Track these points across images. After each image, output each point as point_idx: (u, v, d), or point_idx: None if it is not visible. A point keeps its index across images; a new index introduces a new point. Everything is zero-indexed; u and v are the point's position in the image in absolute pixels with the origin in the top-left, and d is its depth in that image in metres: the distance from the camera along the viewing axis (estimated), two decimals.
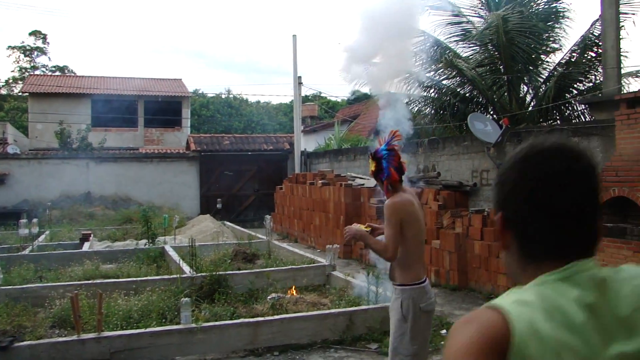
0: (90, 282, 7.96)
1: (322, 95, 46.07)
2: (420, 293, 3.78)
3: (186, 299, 6.08)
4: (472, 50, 12.67)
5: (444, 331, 6.66)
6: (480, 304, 6.49)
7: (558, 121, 12.12)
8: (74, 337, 5.65)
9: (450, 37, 12.69)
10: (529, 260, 1.23)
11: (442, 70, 12.55)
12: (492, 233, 8.85)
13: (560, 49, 12.27)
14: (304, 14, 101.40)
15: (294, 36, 18.09)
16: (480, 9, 12.63)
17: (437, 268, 9.66)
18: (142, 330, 5.85)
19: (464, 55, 12.73)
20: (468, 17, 12.76)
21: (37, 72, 43.30)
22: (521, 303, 1.10)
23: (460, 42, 12.65)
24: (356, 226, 4.03)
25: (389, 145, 3.99)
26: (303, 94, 44.46)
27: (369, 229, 3.99)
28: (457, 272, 9.26)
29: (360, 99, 32.11)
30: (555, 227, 1.19)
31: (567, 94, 12.21)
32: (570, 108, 12.64)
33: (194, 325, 5.90)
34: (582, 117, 12.28)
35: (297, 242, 15.19)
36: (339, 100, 45.05)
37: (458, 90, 12.62)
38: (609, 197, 7.60)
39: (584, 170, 1.23)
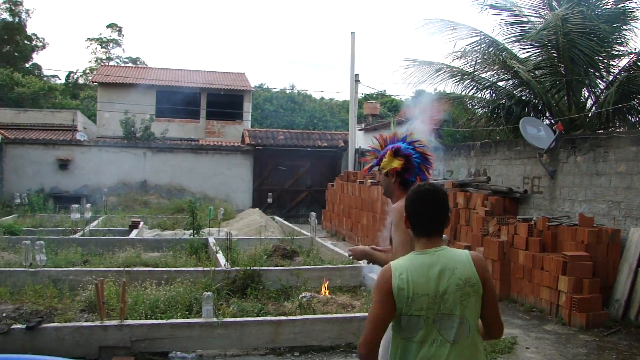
0: (124, 269, 8.07)
1: (387, 94, 45.77)
2: None
3: (208, 292, 6.04)
4: (531, 51, 12.14)
5: None
6: (519, 317, 6.24)
7: (619, 129, 11.48)
8: (97, 323, 5.72)
9: (508, 38, 12.21)
10: (416, 237, 2.66)
11: (496, 71, 12.10)
12: (539, 243, 8.47)
13: (626, 54, 11.59)
14: (367, 13, 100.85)
15: (352, 33, 17.90)
16: (542, 8, 12.07)
17: None
18: (163, 321, 5.87)
19: (522, 57, 12.22)
20: (529, 17, 12.23)
21: (111, 63, 44.87)
22: (400, 261, 2.58)
23: (518, 43, 12.15)
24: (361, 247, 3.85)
25: (414, 146, 3.74)
26: (367, 92, 44.30)
27: None
28: (500, 281, 8.90)
29: (421, 99, 31.58)
30: (423, 222, 2.63)
31: (632, 100, 11.54)
32: (635, 115, 11.96)
33: (214, 319, 5.86)
34: None
35: (344, 241, 15.06)
36: (402, 99, 44.59)
37: (514, 92, 12.14)
38: None
39: (435, 198, 2.63)
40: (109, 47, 50.24)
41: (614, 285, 8.02)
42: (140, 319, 6.06)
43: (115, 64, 44.70)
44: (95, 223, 13.87)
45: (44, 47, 46.95)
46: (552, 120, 11.11)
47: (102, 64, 43.09)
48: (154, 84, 27.34)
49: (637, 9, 11.54)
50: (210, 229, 12.88)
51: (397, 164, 3.60)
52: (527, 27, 11.99)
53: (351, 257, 3.85)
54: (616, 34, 11.64)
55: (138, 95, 26.65)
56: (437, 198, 2.61)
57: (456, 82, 12.66)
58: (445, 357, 2.48)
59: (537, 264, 8.31)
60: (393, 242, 3.49)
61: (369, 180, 13.99)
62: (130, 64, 46.19)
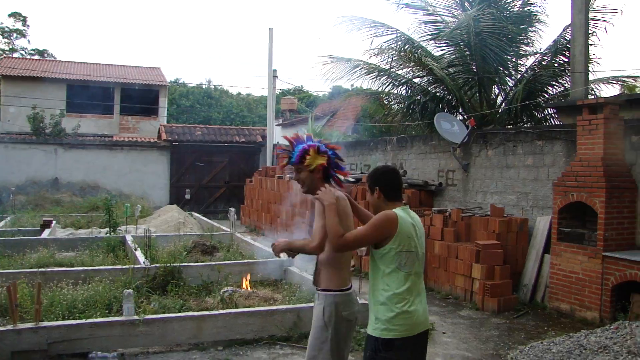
0: (38, 270, 7.76)
1: (304, 89, 45.98)
2: (345, 300, 3.64)
3: (129, 290, 5.94)
4: (445, 50, 12.62)
5: None
6: (436, 304, 6.47)
7: (527, 124, 12.12)
8: (10, 327, 5.47)
9: (423, 36, 12.63)
10: (389, 201, 3.43)
11: (412, 68, 12.48)
12: (453, 234, 8.82)
13: (532, 54, 12.27)
14: (285, 9, 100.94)
15: (270, 29, 17.90)
16: (455, 8, 12.57)
17: None
18: (82, 321, 5.70)
19: (436, 55, 12.67)
20: (443, 16, 12.71)
21: (15, 55, 42.60)
22: (398, 210, 3.35)
23: (432, 42, 12.59)
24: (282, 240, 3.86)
25: (325, 144, 3.92)
26: (285, 88, 44.35)
27: None
28: None
29: (339, 95, 32.01)
30: (393, 189, 3.46)
31: (538, 98, 12.22)
32: (541, 112, 12.67)
33: (136, 317, 5.76)
34: (552, 121, 12.31)
35: (264, 236, 15.06)
36: (320, 95, 44.97)
37: (428, 89, 12.56)
38: (567, 202, 7.60)
39: (398, 172, 3.59)
40: (12, 38, 47.64)
41: (522, 271, 8.50)
42: (57, 320, 5.85)
43: (20, 56, 42.50)
44: (1, 223, 13.22)
45: None
46: (465, 116, 11.60)
47: (5, 55, 40.84)
48: (65, 78, 26.24)
49: (541, 12, 12.25)
50: (128, 226, 12.56)
51: (322, 160, 3.80)
52: (441, 26, 12.45)
53: (276, 253, 3.88)
54: (523, 35, 12.31)
55: (47, 89, 25.50)
56: (398, 172, 3.63)
57: (373, 78, 12.97)
58: (420, 284, 3.40)
59: (452, 253, 8.66)
60: (314, 225, 3.64)
61: (288, 175, 14.06)
62: (37, 57, 44.04)
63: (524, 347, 5.99)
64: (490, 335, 6.70)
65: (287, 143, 3.95)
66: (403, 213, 3.35)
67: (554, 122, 12.08)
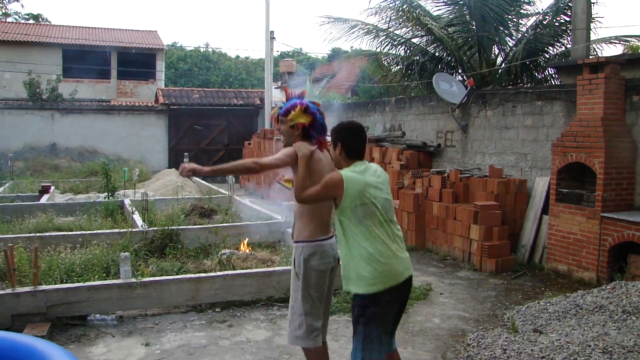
0: (35, 234, 7.77)
1: (303, 52, 45.52)
2: (315, 251, 3.71)
3: (125, 253, 5.93)
4: (443, 9, 12.41)
5: None
6: (434, 265, 6.48)
7: (526, 84, 11.98)
8: (8, 291, 5.48)
9: None
10: (348, 158, 3.51)
11: (411, 28, 12.29)
12: (451, 195, 8.80)
13: (534, 14, 12.04)
14: None
15: None
16: None
17: None
18: (80, 284, 5.70)
19: (435, 14, 12.45)
20: None
21: (9, 20, 42.02)
22: (346, 171, 3.41)
23: (431, 1, 12.38)
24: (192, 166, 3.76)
25: (317, 108, 3.97)
26: (284, 50, 43.85)
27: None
28: (415, 232, 9.22)
29: (338, 56, 31.70)
30: (355, 147, 3.51)
31: (538, 58, 12.05)
32: (541, 72, 12.52)
33: (133, 280, 5.77)
34: (553, 81, 12.17)
35: (263, 199, 15.05)
36: (319, 57, 44.53)
37: (427, 49, 12.39)
38: (566, 163, 7.55)
39: (361, 129, 3.58)
40: (4, 2, 46.96)
41: (520, 232, 8.50)
42: (55, 283, 5.87)
43: (14, 21, 41.94)
44: (0, 189, 13.21)
45: None
46: (464, 76, 11.46)
47: None
48: (60, 43, 25.92)
49: None
50: (126, 190, 12.56)
51: (305, 119, 3.83)
52: None
53: (183, 174, 3.79)
54: None
55: (42, 54, 25.23)
56: (363, 130, 3.62)
57: (371, 38, 12.79)
58: (392, 231, 3.44)
59: (450, 214, 8.65)
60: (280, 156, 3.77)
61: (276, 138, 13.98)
62: (31, 21, 43.47)
63: (520, 307, 6.01)
64: (488, 296, 6.73)
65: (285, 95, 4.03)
66: (351, 172, 3.40)
67: (555, 82, 11.95)
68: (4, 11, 45.63)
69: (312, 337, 3.73)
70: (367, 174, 3.45)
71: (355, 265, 3.37)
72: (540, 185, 8.49)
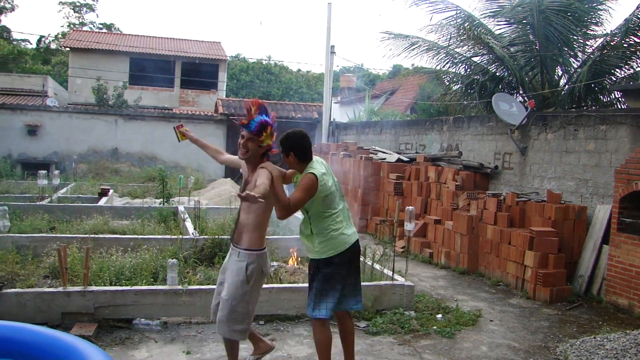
0: (89, 236, 7.98)
1: (364, 67, 45.57)
2: (265, 259, 4.21)
3: (173, 260, 5.98)
4: (505, 28, 12.14)
5: (439, 316, 6.45)
6: (486, 291, 6.27)
7: (590, 107, 11.55)
8: (60, 289, 5.62)
9: (484, 13, 12.18)
10: (301, 162, 4.18)
11: (471, 46, 12.08)
12: (507, 218, 8.54)
13: (601, 35, 11.62)
14: None
15: (329, 4, 17.68)
16: None
17: (448, 250, 9.39)
18: (128, 287, 5.79)
19: (497, 33, 12.21)
20: None
21: (85, 29, 43.79)
22: (312, 171, 4.09)
23: (493, 19, 12.12)
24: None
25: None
26: (344, 65, 43.96)
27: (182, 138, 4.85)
28: (468, 255, 8.99)
29: (398, 73, 31.56)
30: (305, 152, 4.18)
31: (604, 81, 11.62)
32: (607, 96, 12.06)
33: (179, 287, 5.81)
34: (619, 105, 11.71)
35: None
36: (380, 73, 44.50)
37: (488, 68, 12.15)
38: (630, 191, 7.21)
39: (306, 135, 4.23)
40: (82, 12, 48.93)
41: (578, 261, 8.15)
42: (104, 285, 5.98)
43: (89, 30, 43.66)
44: (64, 190, 13.66)
45: (12, 9, 45.41)
46: (525, 97, 11.16)
47: (74, 29, 42.01)
48: (128, 51, 26.82)
49: None
50: (181, 197, 12.77)
51: (270, 141, 4.22)
52: (503, 3, 11.95)
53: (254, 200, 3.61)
54: (592, 13, 11.66)
55: (111, 61, 26.12)
56: (307, 136, 4.24)
57: (431, 56, 12.63)
58: (347, 212, 4.40)
59: (504, 238, 8.39)
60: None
61: (342, 153, 13.96)
62: (104, 30, 45.16)
63: (575, 341, 5.72)
64: (540, 326, 6.46)
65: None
66: (316, 171, 4.10)
67: (621, 106, 11.48)
68: (80, 20, 47.64)
69: (246, 334, 4.27)
70: (322, 168, 4.19)
71: (316, 241, 4.22)
72: (601, 213, 8.14)
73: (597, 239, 8.01)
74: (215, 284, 6.36)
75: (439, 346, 5.58)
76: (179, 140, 4.99)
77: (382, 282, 6.63)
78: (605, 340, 5.52)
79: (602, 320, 6.78)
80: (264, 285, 6.20)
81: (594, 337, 5.68)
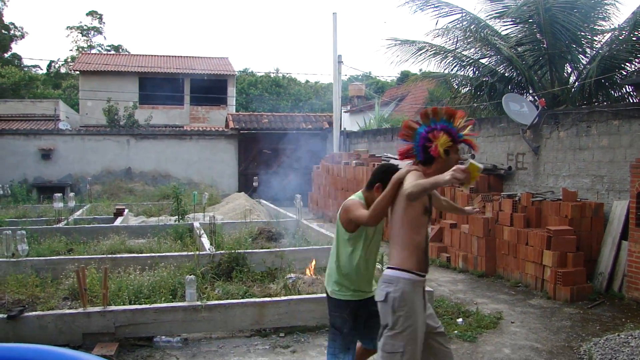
0: (106, 256, 8.00)
1: (372, 75, 45.62)
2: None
3: (191, 276, 6.00)
4: (512, 28, 12.11)
5: (460, 320, 6.41)
6: (505, 293, 6.22)
7: (601, 103, 11.47)
8: (80, 310, 5.65)
9: (490, 14, 12.16)
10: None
11: (479, 48, 12.06)
12: (523, 219, 8.48)
13: (608, 30, 11.55)
14: None
15: (334, 14, 17.75)
16: None
17: (465, 253, 9.34)
18: (147, 305, 5.81)
19: (503, 34, 12.18)
20: None
21: (93, 51, 44.32)
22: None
23: (499, 20, 12.10)
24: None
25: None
26: (352, 74, 44.03)
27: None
28: (485, 258, 8.93)
29: (407, 79, 31.55)
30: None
31: (614, 76, 11.54)
32: (618, 90, 11.98)
33: (198, 303, 5.82)
34: (630, 100, 11.61)
35: (331, 222, 15.03)
36: (388, 80, 44.51)
37: (496, 69, 12.11)
38: None
39: (394, 169, 3.77)
40: (90, 35, 49.62)
41: (597, 259, 8.07)
42: (124, 304, 6.00)
43: (97, 52, 44.17)
44: (79, 212, 13.75)
45: (22, 36, 46.22)
46: (535, 96, 11.11)
47: (83, 52, 42.51)
48: (137, 71, 27.10)
49: None
50: (196, 214, 12.81)
51: (447, 143, 3.60)
52: (508, 3, 11.94)
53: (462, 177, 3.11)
54: (598, 8, 11.61)
55: (120, 82, 26.41)
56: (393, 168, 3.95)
57: (439, 60, 12.62)
58: (372, 256, 4.12)
59: (521, 239, 8.33)
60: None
61: (354, 161, 13.95)
62: (112, 52, 45.69)
63: (598, 339, 5.65)
64: (562, 326, 6.39)
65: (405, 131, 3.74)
66: None
67: (633, 100, 11.39)
68: (89, 44, 48.22)
69: None
70: None
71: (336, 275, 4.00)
72: (619, 209, 8.06)
73: (616, 235, 7.93)
74: (233, 299, 6.42)
75: (461, 350, 5.54)
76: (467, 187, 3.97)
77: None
78: (630, 337, 5.45)
79: (625, 317, 6.69)
80: (283, 297, 6.24)
81: (618, 335, 5.61)
